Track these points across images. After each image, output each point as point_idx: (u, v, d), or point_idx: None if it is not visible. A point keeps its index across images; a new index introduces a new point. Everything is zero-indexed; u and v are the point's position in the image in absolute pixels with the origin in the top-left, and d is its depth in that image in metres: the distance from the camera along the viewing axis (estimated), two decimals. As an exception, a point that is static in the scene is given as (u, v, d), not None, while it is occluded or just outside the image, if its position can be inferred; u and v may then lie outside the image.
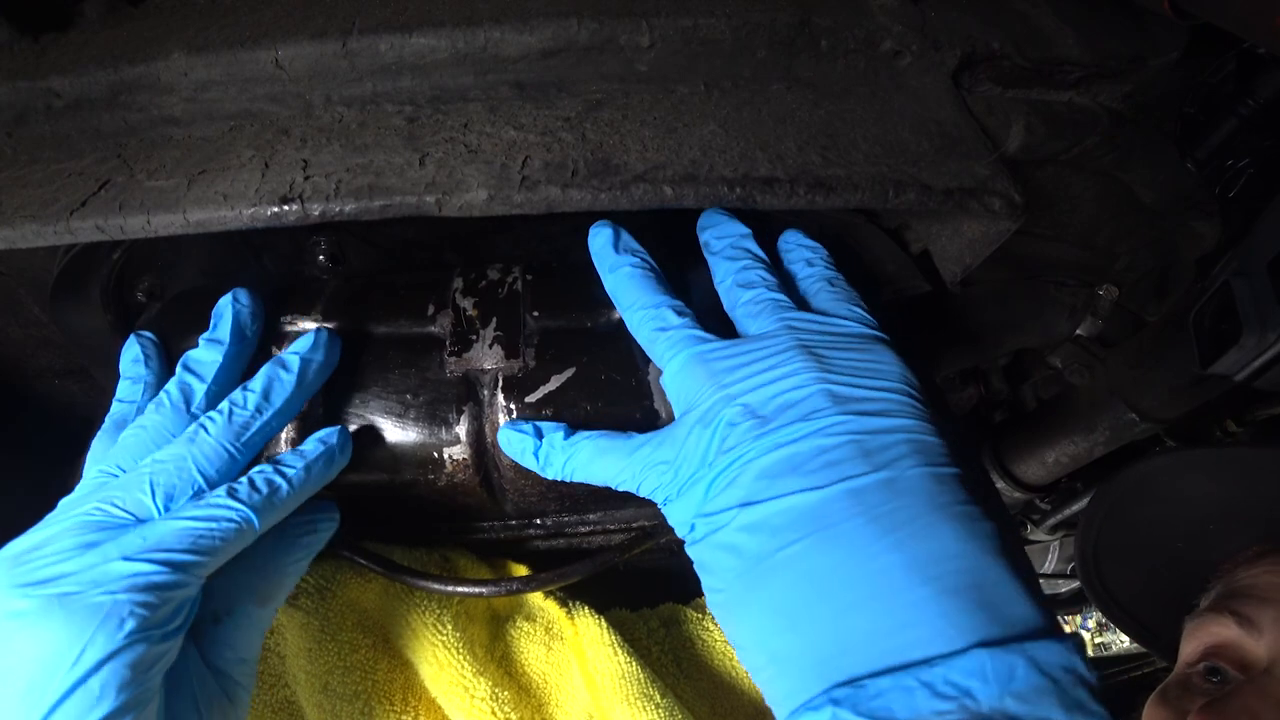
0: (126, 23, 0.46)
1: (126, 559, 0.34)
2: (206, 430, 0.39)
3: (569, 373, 0.47)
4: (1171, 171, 0.57)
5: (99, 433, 0.44)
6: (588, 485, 0.45)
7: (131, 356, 0.46)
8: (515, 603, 0.54)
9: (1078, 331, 0.73)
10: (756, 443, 0.35)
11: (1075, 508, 0.91)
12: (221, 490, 0.38)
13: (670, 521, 0.39)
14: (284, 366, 0.42)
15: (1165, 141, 0.56)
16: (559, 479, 0.43)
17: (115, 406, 0.45)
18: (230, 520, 0.37)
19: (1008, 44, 0.46)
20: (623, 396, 0.47)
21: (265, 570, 0.41)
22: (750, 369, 0.38)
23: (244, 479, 0.39)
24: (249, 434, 0.40)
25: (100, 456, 0.42)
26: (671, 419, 0.43)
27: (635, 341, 0.47)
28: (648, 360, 0.47)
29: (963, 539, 0.31)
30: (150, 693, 0.34)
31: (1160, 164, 0.56)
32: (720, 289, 0.44)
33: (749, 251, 0.44)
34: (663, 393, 0.47)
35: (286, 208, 0.39)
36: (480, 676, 0.48)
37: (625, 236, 0.45)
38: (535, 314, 0.48)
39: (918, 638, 0.28)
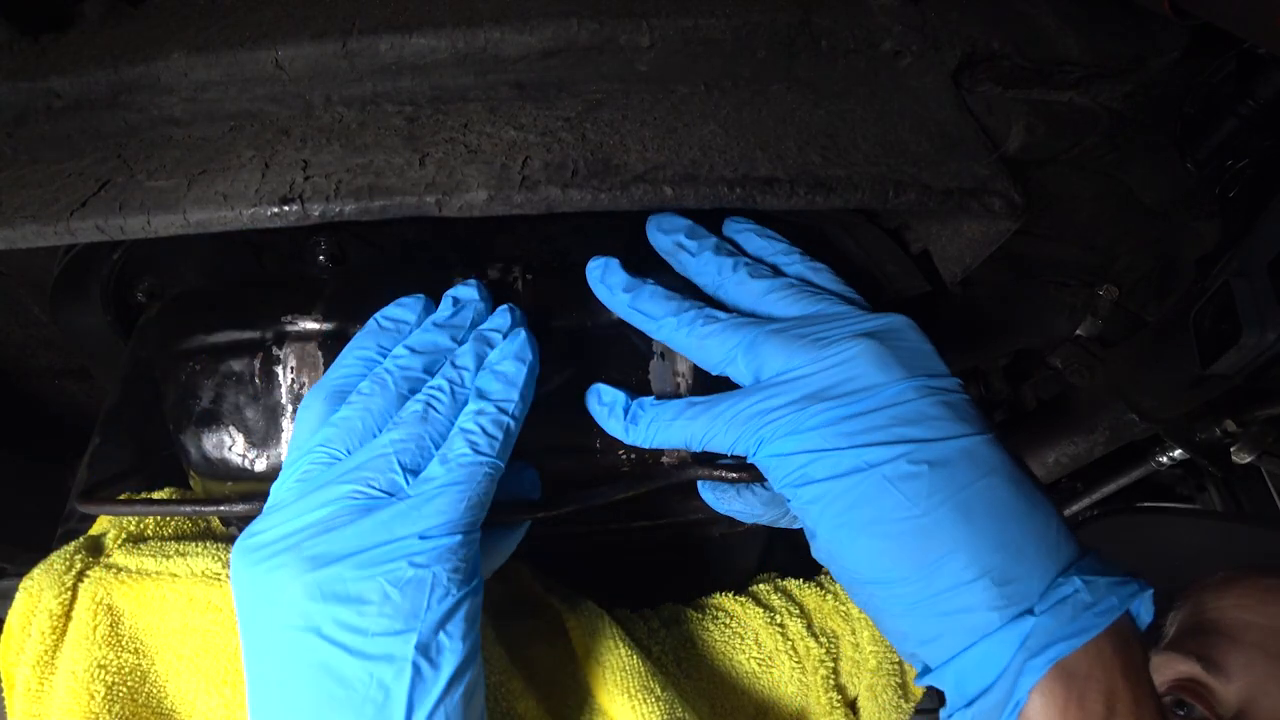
0: (126, 23, 0.46)
1: (423, 537, 0.37)
2: (436, 410, 0.40)
3: (569, 373, 0.47)
4: (1171, 171, 0.57)
5: (319, 396, 0.42)
6: (594, 485, 0.45)
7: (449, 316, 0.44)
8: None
9: (1078, 331, 0.73)
10: (903, 386, 0.39)
11: (1075, 508, 0.91)
12: (462, 445, 0.39)
13: (775, 460, 0.40)
14: (488, 343, 0.44)
15: (1165, 141, 0.56)
16: (638, 443, 0.44)
17: (340, 372, 0.43)
18: (486, 472, 0.39)
19: (1008, 44, 0.46)
20: (623, 396, 0.46)
21: (485, 545, 0.44)
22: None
23: (474, 426, 0.40)
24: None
25: (313, 430, 0.41)
26: None
27: (634, 342, 0.48)
28: (648, 360, 0.47)
29: None
30: (479, 640, 0.39)
31: (1160, 164, 0.56)
32: (726, 285, 0.45)
33: (734, 251, 0.45)
34: (663, 389, 0.47)
35: (286, 208, 0.39)
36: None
37: (624, 266, 0.45)
38: (535, 314, 0.48)
39: (1072, 547, 0.37)
